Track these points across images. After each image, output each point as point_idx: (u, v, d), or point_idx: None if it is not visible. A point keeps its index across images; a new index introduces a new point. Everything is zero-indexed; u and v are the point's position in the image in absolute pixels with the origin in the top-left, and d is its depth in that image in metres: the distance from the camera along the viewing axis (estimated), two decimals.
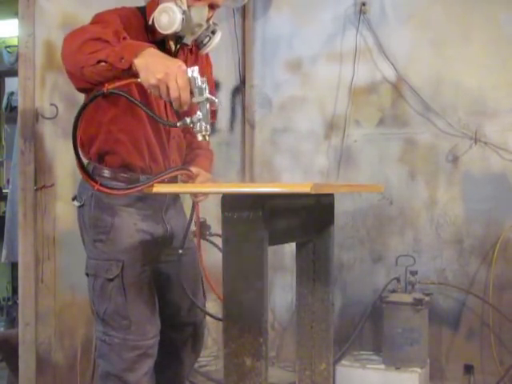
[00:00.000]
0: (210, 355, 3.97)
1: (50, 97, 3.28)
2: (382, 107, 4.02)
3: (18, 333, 3.15)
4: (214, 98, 1.86)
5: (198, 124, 1.86)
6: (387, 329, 3.59)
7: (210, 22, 2.18)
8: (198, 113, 1.85)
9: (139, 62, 1.79)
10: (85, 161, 2.19)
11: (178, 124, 1.90)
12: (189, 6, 2.08)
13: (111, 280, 2.15)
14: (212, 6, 2.14)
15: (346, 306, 4.06)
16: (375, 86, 4.03)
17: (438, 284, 3.82)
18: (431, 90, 3.89)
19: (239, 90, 4.33)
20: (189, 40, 2.16)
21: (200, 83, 1.82)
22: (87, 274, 2.24)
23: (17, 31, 3.21)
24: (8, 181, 5.38)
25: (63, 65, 1.97)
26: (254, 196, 1.85)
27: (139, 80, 1.81)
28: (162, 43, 2.16)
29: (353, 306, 4.04)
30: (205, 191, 2.22)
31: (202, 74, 2.00)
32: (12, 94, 5.66)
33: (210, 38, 2.19)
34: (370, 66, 4.02)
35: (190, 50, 2.29)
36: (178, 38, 2.17)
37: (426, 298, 3.57)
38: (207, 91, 1.83)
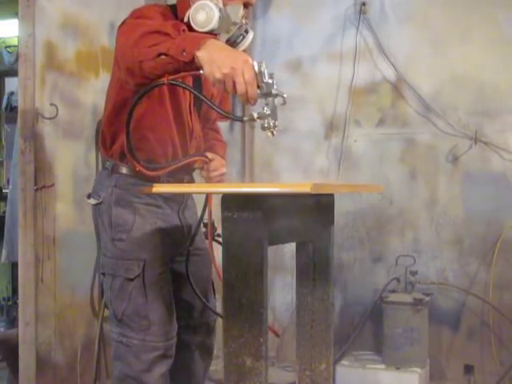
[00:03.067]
0: None
1: (50, 97, 3.28)
2: (382, 107, 4.02)
3: (18, 333, 3.15)
4: (283, 93, 1.81)
5: (266, 120, 1.81)
6: (387, 329, 3.59)
7: (244, 21, 2.14)
8: (266, 108, 1.80)
9: (202, 55, 1.73)
10: (105, 159, 2.21)
11: (245, 118, 1.85)
12: (224, 5, 2.05)
13: (131, 280, 2.11)
14: (246, 5, 2.12)
15: (346, 306, 4.06)
16: (375, 85, 4.03)
17: (438, 284, 3.82)
18: (431, 90, 3.89)
19: None
20: (224, 38, 2.08)
21: (267, 78, 1.76)
22: (103, 274, 2.20)
23: (17, 31, 3.21)
24: (8, 181, 5.38)
25: (119, 61, 1.92)
26: (254, 196, 1.85)
27: (202, 73, 1.75)
28: None
29: (353, 306, 4.04)
30: (205, 191, 2.22)
31: None
32: (12, 93, 5.66)
33: (244, 37, 2.12)
34: (370, 66, 4.02)
35: None
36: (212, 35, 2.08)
37: (426, 298, 3.57)
38: (275, 86, 1.79)
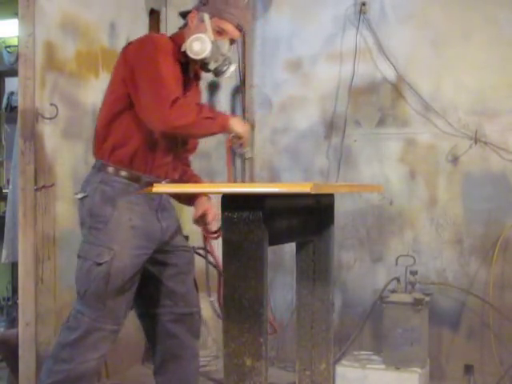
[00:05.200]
0: (210, 355, 3.97)
1: (50, 97, 3.28)
2: (382, 107, 4.02)
3: (18, 333, 3.15)
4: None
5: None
6: (387, 329, 3.59)
7: (228, 54, 2.56)
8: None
9: (233, 123, 2.43)
10: (96, 158, 2.51)
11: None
12: (215, 39, 2.47)
13: (99, 264, 2.35)
14: (231, 41, 2.54)
15: (346, 306, 4.06)
16: (375, 85, 4.03)
17: (438, 284, 3.82)
18: (431, 90, 3.89)
19: (239, 89, 4.33)
20: (212, 66, 2.51)
21: None
22: (79, 256, 2.44)
23: (17, 31, 3.21)
24: (8, 181, 5.37)
25: (180, 129, 2.36)
26: (254, 196, 1.85)
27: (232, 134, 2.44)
28: (186, 67, 2.53)
29: (353, 305, 4.04)
30: (205, 191, 2.23)
31: (197, 98, 2.64)
32: (12, 93, 5.65)
33: (228, 67, 2.55)
34: (370, 66, 4.02)
35: (195, 79, 2.65)
36: (203, 64, 2.50)
37: (426, 298, 3.57)
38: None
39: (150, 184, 2.25)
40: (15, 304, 4.23)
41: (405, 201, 3.97)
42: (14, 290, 4.57)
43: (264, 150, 4.30)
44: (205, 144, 4.49)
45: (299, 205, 2.17)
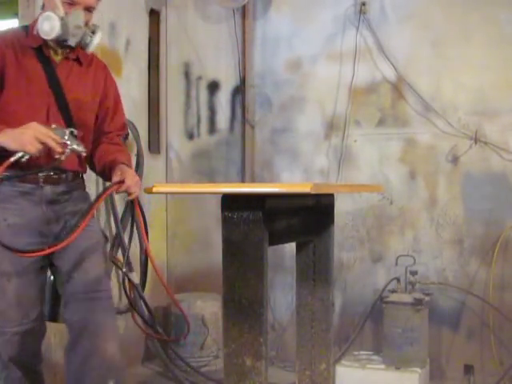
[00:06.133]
0: (210, 355, 3.97)
1: None
2: (382, 107, 4.02)
3: None
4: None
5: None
6: (387, 329, 3.59)
7: (90, 23, 2.41)
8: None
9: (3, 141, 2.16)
10: None
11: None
12: (66, 13, 2.32)
13: None
14: (88, 9, 2.38)
15: (346, 306, 4.06)
16: (375, 85, 4.03)
17: (438, 284, 3.82)
18: (431, 90, 3.89)
19: (239, 89, 4.33)
20: (73, 42, 2.34)
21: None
22: None
23: None
24: None
25: None
26: (254, 196, 1.86)
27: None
28: (42, 51, 2.38)
29: (353, 305, 4.04)
30: (205, 191, 2.22)
31: (95, 90, 2.49)
32: None
33: (92, 38, 2.39)
34: (370, 66, 4.02)
35: (80, 63, 2.47)
36: (62, 42, 2.35)
37: (426, 298, 3.57)
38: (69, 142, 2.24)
39: (24, 176, 2.27)
40: None
41: (405, 201, 3.97)
42: None
43: (264, 150, 4.30)
44: (205, 144, 4.52)
45: (299, 205, 2.17)
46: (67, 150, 2.22)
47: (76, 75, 2.45)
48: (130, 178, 2.34)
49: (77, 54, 2.45)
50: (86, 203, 2.47)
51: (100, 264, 2.46)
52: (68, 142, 2.22)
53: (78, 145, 2.25)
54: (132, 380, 3.71)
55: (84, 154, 2.32)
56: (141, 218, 2.43)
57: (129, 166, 2.47)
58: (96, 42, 2.41)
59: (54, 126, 2.25)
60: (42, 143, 2.15)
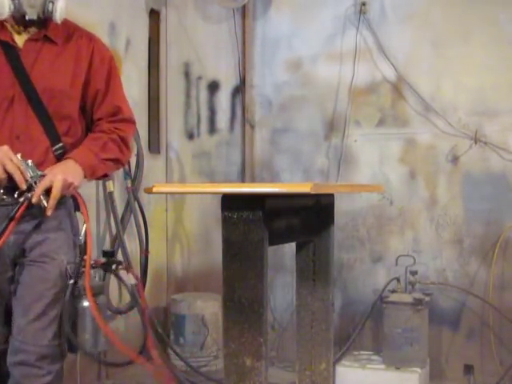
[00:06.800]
0: (210, 355, 3.97)
1: None
2: (382, 107, 4.02)
3: None
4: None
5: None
6: (387, 329, 3.59)
7: None
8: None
9: None
10: None
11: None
12: None
13: None
14: None
15: (346, 306, 4.06)
16: (375, 86, 4.03)
17: (438, 284, 3.82)
18: (431, 90, 3.89)
19: (239, 89, 4.33)
20: (33, 14, 2.05)
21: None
22: None
23: None
24: None
25: None
26: (254, 196, 1.85)
27: None
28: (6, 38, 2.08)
29: (353, 305, 4.04)
30: (205, 191, 2.22)
31: (76, 72, 2.12)
32: None
33: (53, 4, 2.07)
34: (370, 66, 4.02)
35: (53, 43, 2.14)
36: (22, 19, 2.07)
37: (426, 298, 3.57)
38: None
39: None
40: None
41: (405, 201, 3.97)
42: None
43: (264, 150, 4.30)
44: (205, 144, 4.52)
45: (299, 205, 2.17)
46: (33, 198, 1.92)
47: (47, 58, 2.10)
48: (48, 177, 1.97)
49: (45, 31, 2.12)
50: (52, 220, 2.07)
51: (43, 314, 2.03)
52: (34, 185, 1.92)
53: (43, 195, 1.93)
54: (132, 380, 3.71)
55: (48, 214, 1.95)
56: (85, 211, 2.06)
57: (75, 158, 2.05)
58: (61, 6, 2.10)
59: (19, 155, 1.94)
60: (7, 173, 1.89)
